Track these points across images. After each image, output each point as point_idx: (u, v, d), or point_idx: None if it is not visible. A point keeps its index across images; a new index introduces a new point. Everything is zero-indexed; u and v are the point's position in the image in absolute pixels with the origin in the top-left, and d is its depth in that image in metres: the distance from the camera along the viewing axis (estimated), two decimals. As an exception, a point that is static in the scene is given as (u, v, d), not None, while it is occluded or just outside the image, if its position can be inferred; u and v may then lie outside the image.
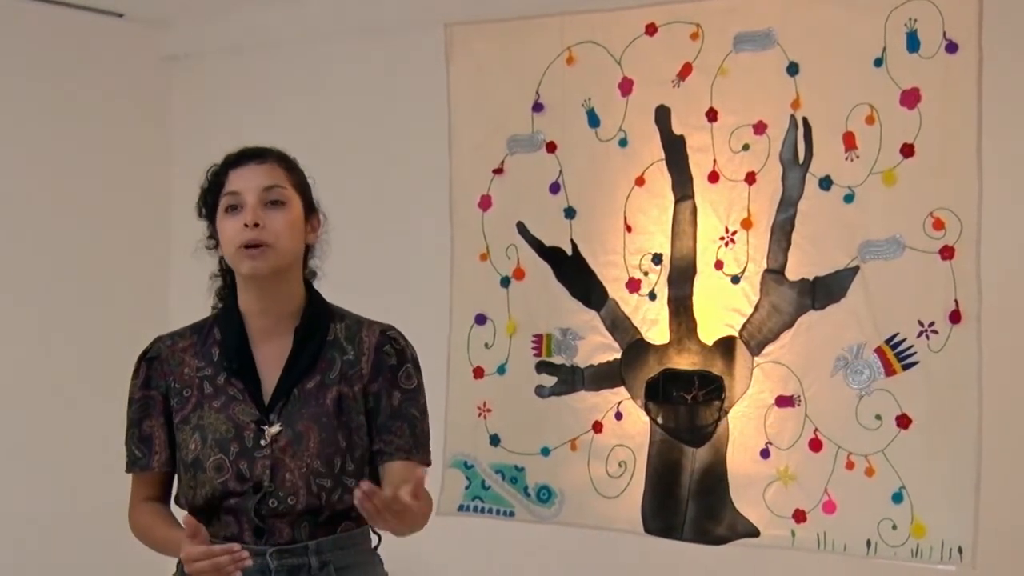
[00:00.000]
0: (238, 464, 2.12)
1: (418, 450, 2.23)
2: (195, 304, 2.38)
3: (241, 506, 2.13)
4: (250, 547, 2.09)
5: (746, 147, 3.23)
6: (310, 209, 2.24)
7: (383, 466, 2.21)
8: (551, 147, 3.52)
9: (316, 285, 2.30)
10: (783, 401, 3.18)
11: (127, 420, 2.25)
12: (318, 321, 2.23)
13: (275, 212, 2.14)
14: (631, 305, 3.40)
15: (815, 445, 3.13)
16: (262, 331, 2.20)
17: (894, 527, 3.02)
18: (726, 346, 3.26)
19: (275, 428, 2.14)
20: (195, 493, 2.15)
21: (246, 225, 2.11)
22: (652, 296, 3.37)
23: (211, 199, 2.20)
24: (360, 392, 2.21)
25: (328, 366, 2.21)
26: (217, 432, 2.14)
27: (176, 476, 2.24)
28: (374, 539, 2.26)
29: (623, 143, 3.41)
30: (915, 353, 3.01)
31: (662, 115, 3.35)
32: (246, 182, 2.15)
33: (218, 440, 2.14)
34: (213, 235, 2.23)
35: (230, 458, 2.13)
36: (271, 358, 2.20)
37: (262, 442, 2.13)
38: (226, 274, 2.27)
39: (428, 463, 2.26)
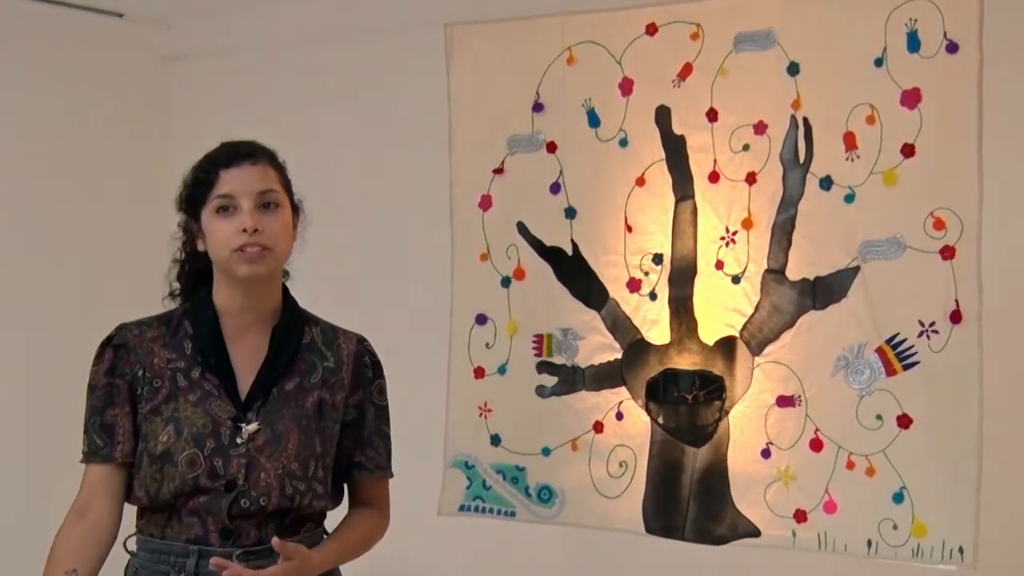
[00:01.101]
0: (212, 460, 2.10)
1: (389, 465, 2.33)
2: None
3: (212, 505, 2.10)
4: (216, 549, 2.09)
5: (746, 147, 3.22)
6: (295, 208, 2.24)
7: (359, 478, 2.29)
8: (551, 147, 3.52)
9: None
10: (784, 401, 3.18)
11: (88, 408, 2.20)
12: (295, 322, 2.23)
13: (270, 215, 2.15)
14: (632, 305, 3.39)
15: (816, 445, 3.13)
16: (238, 328, 2.19)
17: (895, 527, 3.02)
18: (727, 346, 3.26)
19: (253, 426, 2.13)
20: (160, 487, 2.11)
21: (244, 230, 2.10)
22: (653, 296, 3.37)
23: (200, 196, 2.17)
24: (341, 401, 2.23)
25: (308, 369, 2.21)
26: (194, 426, 2.12)
27: (135, 470, 2.17)
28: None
29: (623, 143, 3.41)
30: (916, 353, 3.00)
31: (662, 115, 3.35)
32: (241, 184, 2.13)
33: (194, 434, 2.11)
34: (188, 228, 2.22)
35: (204, 454, 2.10)
36: (246, 356, 2.19)
37: (238, 439, 2.12)
38: (186, 263, 2.26)
39: (392, 475, 2.35)
